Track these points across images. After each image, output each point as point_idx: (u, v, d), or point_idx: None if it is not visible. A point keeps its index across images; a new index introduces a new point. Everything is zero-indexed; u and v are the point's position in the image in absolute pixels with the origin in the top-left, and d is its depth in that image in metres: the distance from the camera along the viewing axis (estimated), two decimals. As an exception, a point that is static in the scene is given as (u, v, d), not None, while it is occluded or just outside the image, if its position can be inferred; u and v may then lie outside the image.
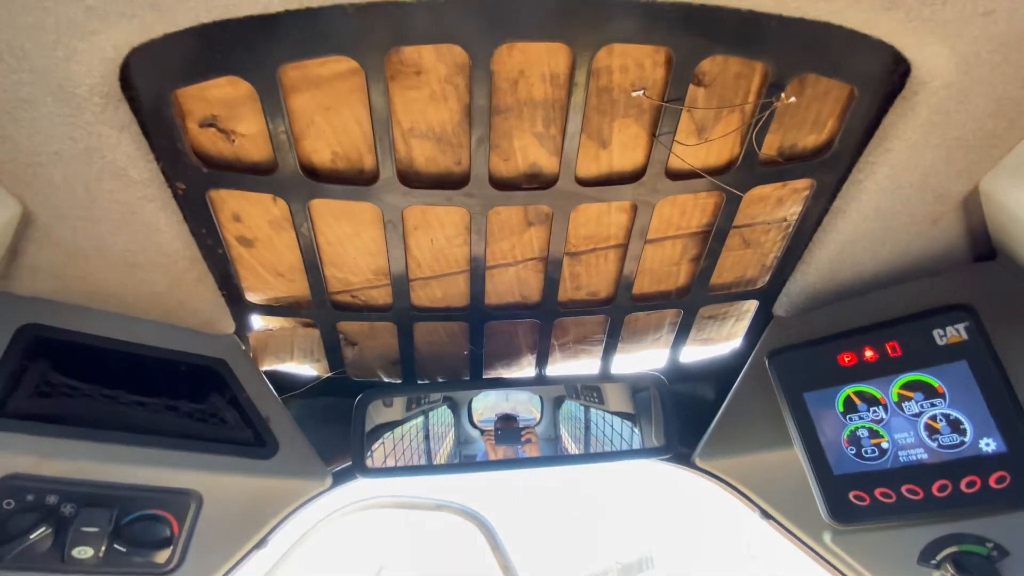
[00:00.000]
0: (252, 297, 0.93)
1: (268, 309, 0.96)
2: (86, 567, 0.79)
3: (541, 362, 1.18)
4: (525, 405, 1.25)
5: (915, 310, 0.87)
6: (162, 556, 0.84)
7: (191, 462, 0.86)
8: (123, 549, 0.80)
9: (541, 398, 1.24)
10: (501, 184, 0.75)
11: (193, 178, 0.71)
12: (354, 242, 0.84)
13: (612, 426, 1.21)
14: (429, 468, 1.08)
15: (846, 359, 0.91)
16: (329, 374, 1.13)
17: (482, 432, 1.19)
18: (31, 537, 0.74)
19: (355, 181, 0.73)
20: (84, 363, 0.84)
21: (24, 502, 0.76)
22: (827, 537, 0.92)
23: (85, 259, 0.76)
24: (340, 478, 1.04)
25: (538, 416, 1.22)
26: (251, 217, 0.79)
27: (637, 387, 1.18)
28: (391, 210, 0.77)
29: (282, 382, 1.08)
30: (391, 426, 1.17)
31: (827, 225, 0.84)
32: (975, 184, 0.76)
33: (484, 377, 1.18)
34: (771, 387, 0.95)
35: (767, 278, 0.99)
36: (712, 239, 0.89)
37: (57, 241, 0.71)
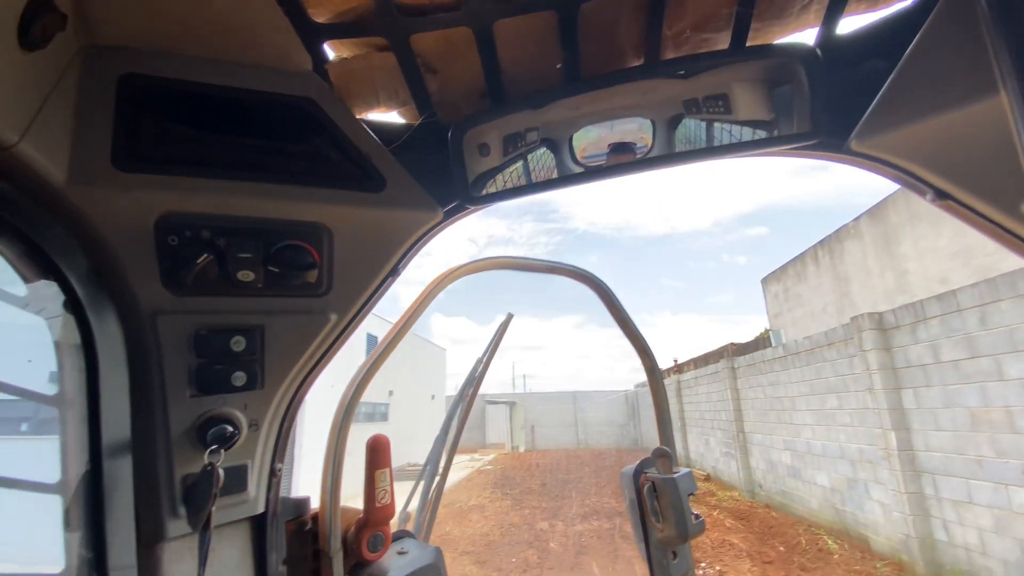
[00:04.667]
0: (316, 15, 0.85)
1: (337, 30, 0.88)
2: (252, 289, 0.91)
3: (651, 56, 0.98)
4: (634, 133, 1.12)
5: None
6: (312, 277, 0.94)
7: (314, 196, 0.91)
8: (277, 270, 0.91)
9: (653, 122, 1.08)
10: None
11: None
12: None
13: (742, 138, 1.04)
14: (541, 184, 1.03)
15: None
16: (419, 119, 1.07)
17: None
18: (198, 262, 0.85)
19: None
20: (187, 110, 0.86)
21: (184, 236, 0.86)
22: None
23: None
24: (451, 214, 1.06)
25: (650, 143, 1.09)
26: None
27: (777, 76, 0.96)
28: None
29: (378, 135, 1.05)
30: (491, 173, 1.13)
31: None
32: None
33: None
34: (962, 39, 0.69)
35: None
36: None
37: None
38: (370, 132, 0.96)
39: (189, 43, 0.82)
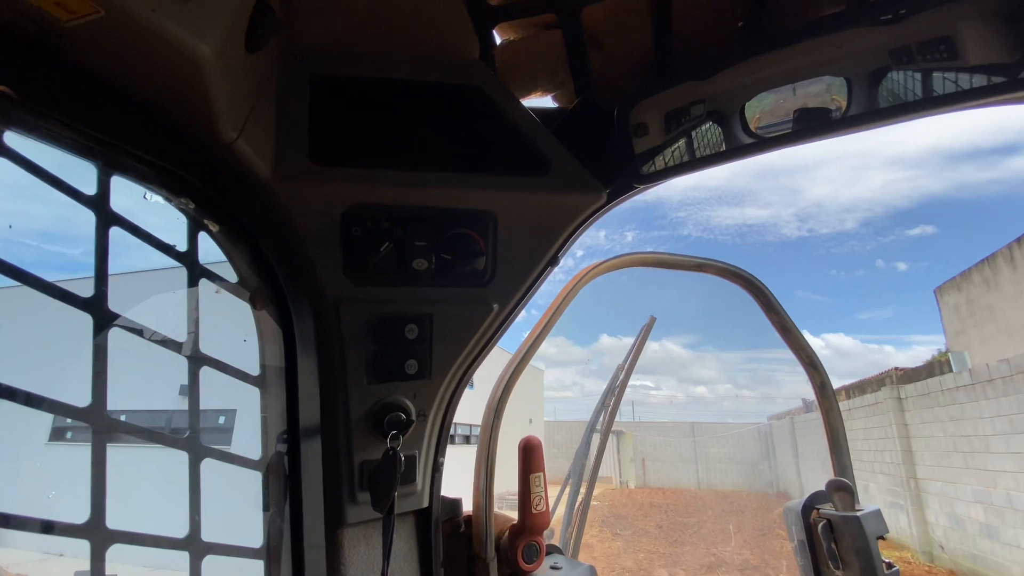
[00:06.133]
0: (490, -2, 0.85)
1: (509, 11, 0.87)
2: (424, 278, 0.92)
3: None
4: (821, 95, 0.97)
5: None
6: (479, 265, 0.93)
7: (481, 184, 0.90)
8: (448, 257, 0.90)
9: (847, 80, 0.93)
10: None
11: None
12: None
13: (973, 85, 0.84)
14: (712, 157, 0.93)
15: None
16: (575, 102, 1.03)
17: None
18: (381, 250, 0.87)
19: None
20: (368, 105, 0.91)
21: (367, 227, 0.89)
22: None
23: None
24: (614, 195, 0.99)
25: (844, 104, 0.93)
26: None
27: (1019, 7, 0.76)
28: None
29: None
30: (651, 153, 1.04)
31: None
32: None
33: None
34: None
35: None
36: None
37: None
38: (532, 115, 0.94)
39: (369, 39, 0.86)
